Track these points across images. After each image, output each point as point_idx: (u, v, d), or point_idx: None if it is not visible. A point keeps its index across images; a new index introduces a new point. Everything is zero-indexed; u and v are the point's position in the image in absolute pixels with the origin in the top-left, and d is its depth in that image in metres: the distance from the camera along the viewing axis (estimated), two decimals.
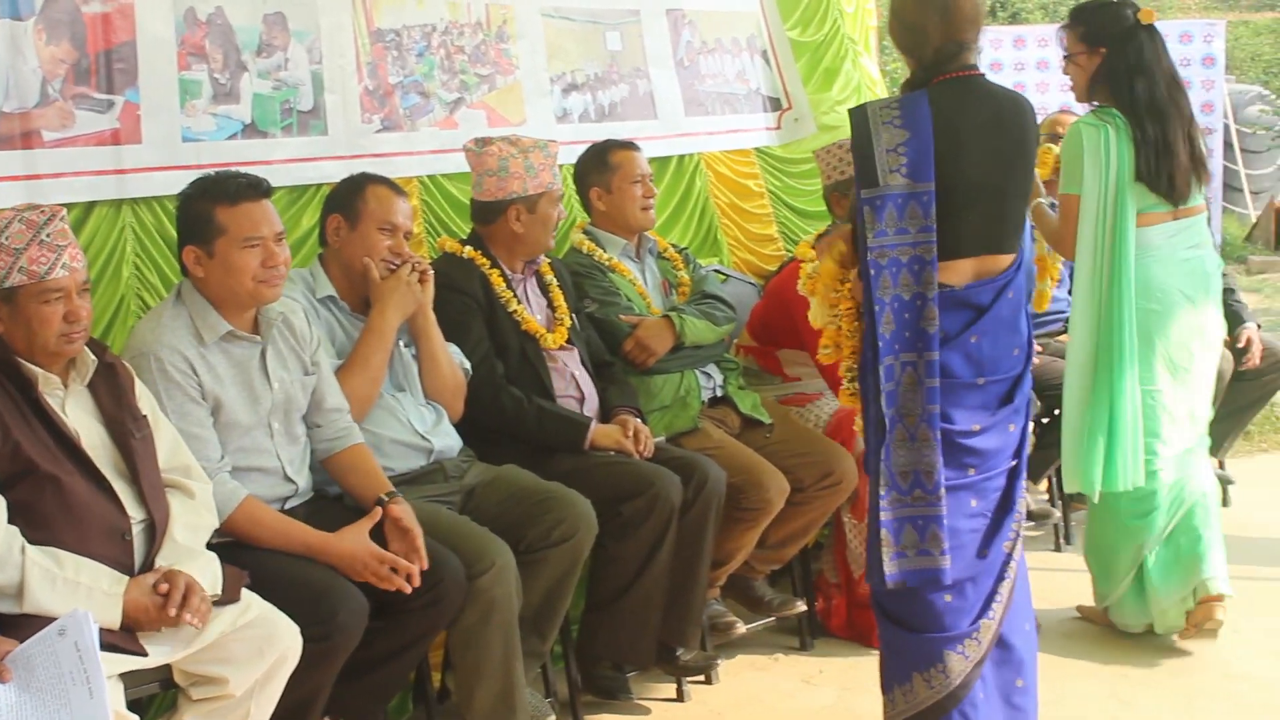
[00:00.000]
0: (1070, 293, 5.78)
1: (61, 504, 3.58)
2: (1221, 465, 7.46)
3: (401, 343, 4.75)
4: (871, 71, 7.93)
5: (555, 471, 4.85)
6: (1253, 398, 7.23)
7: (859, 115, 4.09)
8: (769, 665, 5.60)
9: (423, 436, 4.71)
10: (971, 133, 4.09)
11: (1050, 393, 6.35)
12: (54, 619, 3.38)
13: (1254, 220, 17.40)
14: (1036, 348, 6.35)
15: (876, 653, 4.40)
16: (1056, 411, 6.49)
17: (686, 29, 6.83)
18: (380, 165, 5.09)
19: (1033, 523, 6.86)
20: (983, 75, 4.24)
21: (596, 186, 5.67)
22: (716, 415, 5.62)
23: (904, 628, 4.20)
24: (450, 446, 4.79)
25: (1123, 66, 5.38)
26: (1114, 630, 5.72)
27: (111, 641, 3.50)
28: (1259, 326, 7.17)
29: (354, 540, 4.11)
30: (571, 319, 5.26)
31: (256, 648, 3.74)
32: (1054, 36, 5.92)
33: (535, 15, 6.11)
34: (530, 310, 5.17)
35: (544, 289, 5.29)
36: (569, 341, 5.23)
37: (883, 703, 4.29)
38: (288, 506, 4.27)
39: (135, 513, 3.71)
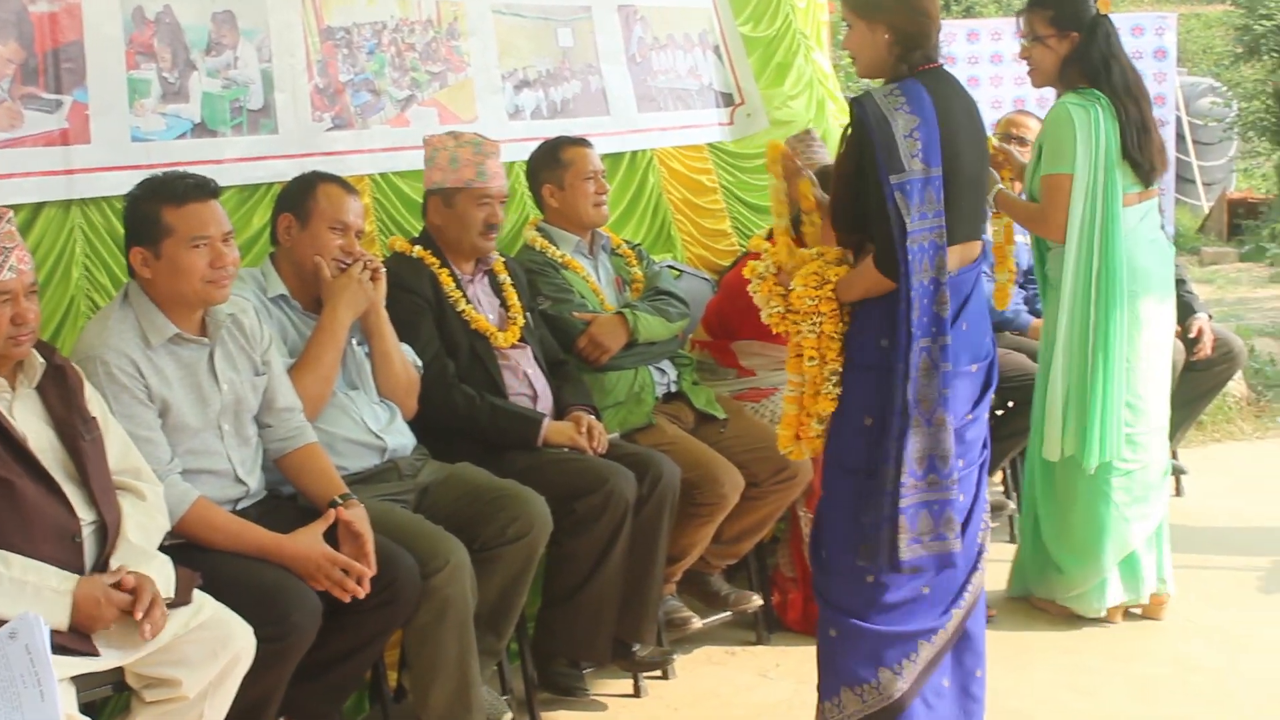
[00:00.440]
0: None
1: (10, 506, 3.55)
2: (1174, 455, 7.49)
3: (354, 341, 4.73)
4: (824, 66, 7.95)
5: (509, 469, 4.84)
6: (1204, 388, 7.27)
7: (870, 103, 4.10)
8: (725, 660, 5.60)
9: (376, 435, 4.70)
10: (959, 122, 4.18)
11: (1006, 385, 6.35)
12: (1, 621, 3.37)
13: (1206, 211, 17.50)
14: None
15: None
16: (1011, 404, 6.54)
17: (638, 25, 6.83)
18: (331, 164, 5.08)
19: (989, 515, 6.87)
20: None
21: (549, 183, 5.66)
22: (671, 411, 5.63)
23: (868, 621, 4.25)
24: (404, 445, 4.78)
25: (1096, 51, 5.44)
26: (1071, 620, 5.74)
27: (62, 643, 3.48)
28: (1210, 317, 7.21)
29: (307, 542, 4.09)
30: (525, 318, 5.25)
31: (210, 649, 3.72)
32: (1008, 30, 5.95)
33: (486, 12, 6.10)
34: (481, 309, 5.16)
35: (497, 288, 5.28)
36: (522, 340, 5.22)
37: (822, 708, 4.38)
38: (240, 508, 4.25)
39: (85, 515, 3.69)
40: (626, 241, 6.02)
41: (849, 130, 4.24)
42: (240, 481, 4.27)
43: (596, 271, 5.73)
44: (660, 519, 5.08)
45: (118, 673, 3.67)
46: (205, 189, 4.17)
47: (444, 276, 5.09)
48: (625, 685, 5.31)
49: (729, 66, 7.25)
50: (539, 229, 5.68)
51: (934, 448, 4.13)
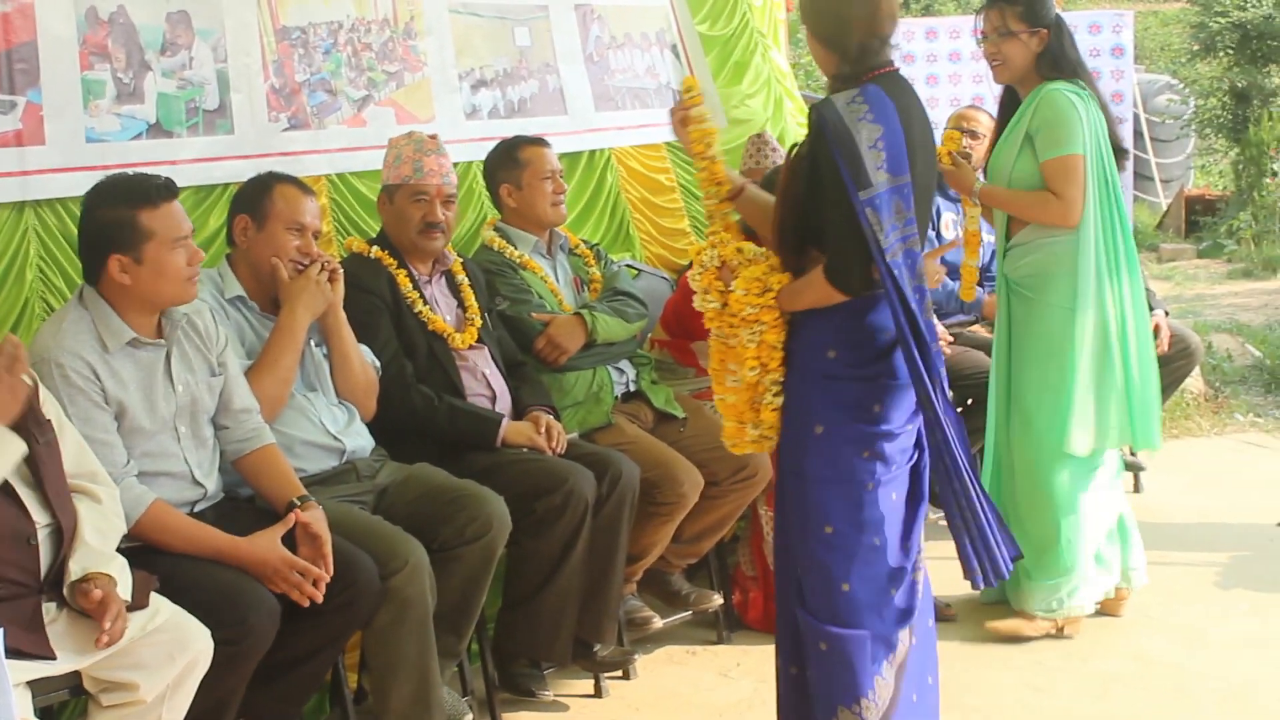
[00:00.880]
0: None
1: None
2: (1132, 452, 7.53)
3: (312, 342, 4.72)
4: (781, 65, 7.96)
5: (468, 469, 4.83)
6: (1162, 385, 7.29)
7: (831, 113, 3.96)
8: (686, 659, 5.60)
9: (335, 437, 4.68)
10: (915, 130, 4.07)
11: (964, 383, 6.39)
12: None
13: (1164, 208, 17.57)
14: (948, 337, 6.46)
15: None
16: (970, 401, 6.55)
17: (595, 24, 6.83)
18: (288, 164, 5.07)
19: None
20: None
21: (506, 183, 5.65)
22: (630, 410, 5.62)
23: (859, 628, 4.16)
24: (362, 447, 4.77)
25: (1067, 46, 5.50)
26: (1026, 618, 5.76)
27: (17, 645, 3.47)
28: (1168, 314, 7.23)
29: (265, 545, 4.08)
30: (483, 318, 5.24)
31: (167, 652, 3.71)
32: (966, 28, 5.91)
33: (443, 11, 6.09)
34: (439, 310, 5.15)
35: (454, 289, 5.27)
36: (480, 340, 5.21)
37: None
38: (197, 510, 4.23)
39: (40, 518, 3.66)
40: (585, 241, 6.02)
41: (800, 145, 4.16)
42: (198, 484, 4.25)
43: (555, 272, 5.72)
44: (620, 518, 5.07)
45: (74, 677, 3.66)
46: (173, 188, 4.16)
47: (401, 277, 5.08)
48: (586, 685, 5.31)
49: (686, 65, 7.25)
50: (497, 229, 5.67)
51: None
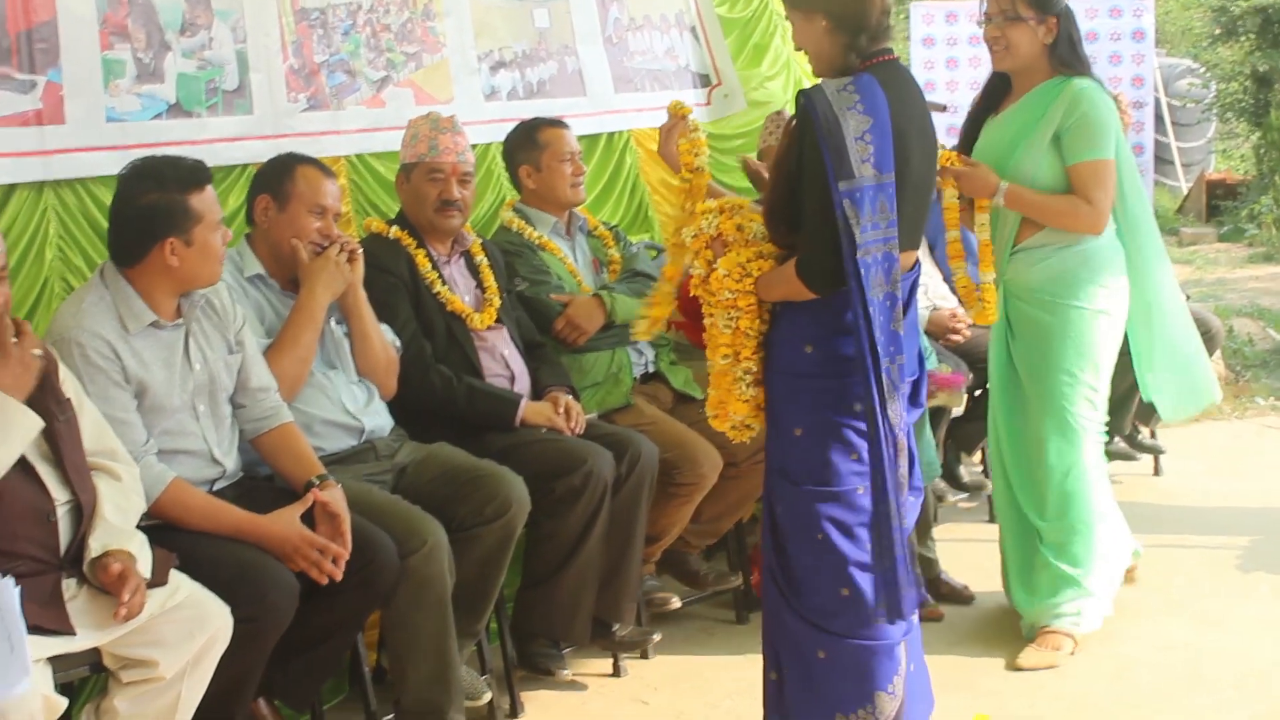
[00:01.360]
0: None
1: None
2: (1153, 435, 7.52)
3: (333, 320, 4.73)
4: None
5: (487, 450, 4.84)
6: None
7: (820, 99, 3.80)
8: (704, 640, 5.61)
9: (354, 416, 4.70)
10: (911, 121, 3.94)
11: (982, 365, 6.37)
12: None
13: (1185, 192, 17.53)
14: (967, 321, 6.44)
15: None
16: (989, 384, 6.53)
17: (614, 6, 6.81)
18: (307, 145, 5.07)
19: (966, 494, 6.90)
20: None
21: (526, 165, 5.66)
22: (649, 391, 5.63)
23: (868, 638, 4.07)
24: (381, 426, 4.78)
25: (1074, 38, 5.24)
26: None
27: (38, 621, 3.48)
28: (1188, 298, 7.22)
29: (284, 523, 4.09)
30: (502, 299, 5.24)
31: (186, 630, 3.72)
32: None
33: None
34: (457, 291, 5.15)
35: (473, 269, 5.27)
36: (498, 321, 5.21)
37: None
38: (216, 488, 4.25)
39: (60, 495, 3.68)
40: (604, 223, 6.02)
41: (793, 123, 4.00)
42: (216, 462, 4.26)
43: (574, 253, 5.72)
44: (639, 499, 5.08)
45: (94, 654, 3.67)
46: (209, 171, 4.22)
47: (420, 258, 5.08)
48: (605, 665, 5.32)
49: (706, 47, 7.24)
50: (515, 210, 5.67)
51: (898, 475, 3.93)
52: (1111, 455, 6.90)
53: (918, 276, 4.16)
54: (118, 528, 3.74)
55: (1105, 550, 5.41)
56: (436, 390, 4.96)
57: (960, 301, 5.63)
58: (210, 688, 3.81)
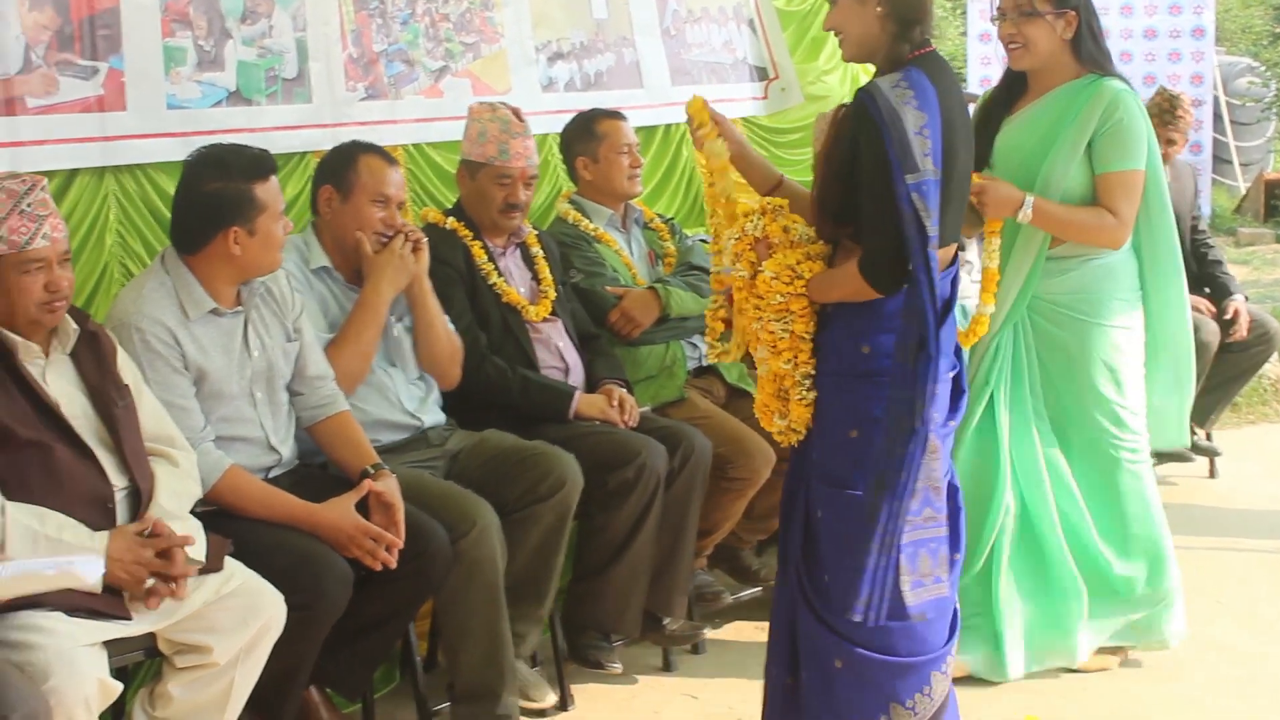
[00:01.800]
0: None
1: (43, 472, 3.57)
2: (1209, 437, 7.48)
3: (393, 318, 4.73)
4: None
5: (541, 441, 4.84)
6: (1240, 369, 7.25)
7: (881, 96, 3.71)
8: (756, 635, 5.57)
9: (412, 415, 4.73)
10: (958, 117, 3.84)
11: None
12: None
13: (1243, 192, 17.39)
14: None
15: None
16: None
17: None
18: (365, 134, 5.06)
19: None
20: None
21: (583, 156, 5.66)
22: (703, 385, 5.61)
23: (888, 654, 3.95)
24: (437, 422, 4.81)
25: (1096, 33, 4.91)
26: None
27: (96, 606, 3.51)
28: (1246, 299, 7.18)
29: (339, 512, 4.10)
30: (557, 291, 5.24)
31: (240, 616, 3.74)
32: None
33: None
34: (513, 282, 5.15)
35: (529, 261, 5.27)
36: (553, 313, 5.21)
37: None
38: (271, 476, 4.26)
39: (118, 480, 3.70)
40: (659, 215, 6.01)
41: (843, 121, 3.91)
42: (273, 449, 4.28)
43: (629, 245, 5.72)
44: (692, 493, 5.07)
45: (149, 639, 3.69)
46: (273, 161, 4.24)
47: (476, 249, 5.08)
48: (655, 659, 5.31)
49: (763, 40, 7.22)
50: (572, 202, 5.67)
51: (928, 477, 3.82)
52: (1166, 457, 6.87)
53: (957, 272, 4.06)
54: (173, 513, 3.77)
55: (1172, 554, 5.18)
56: (491, 381, 4.96)
57: None
58: (263, 675, 3.82)
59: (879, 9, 3.83)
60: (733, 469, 5.22)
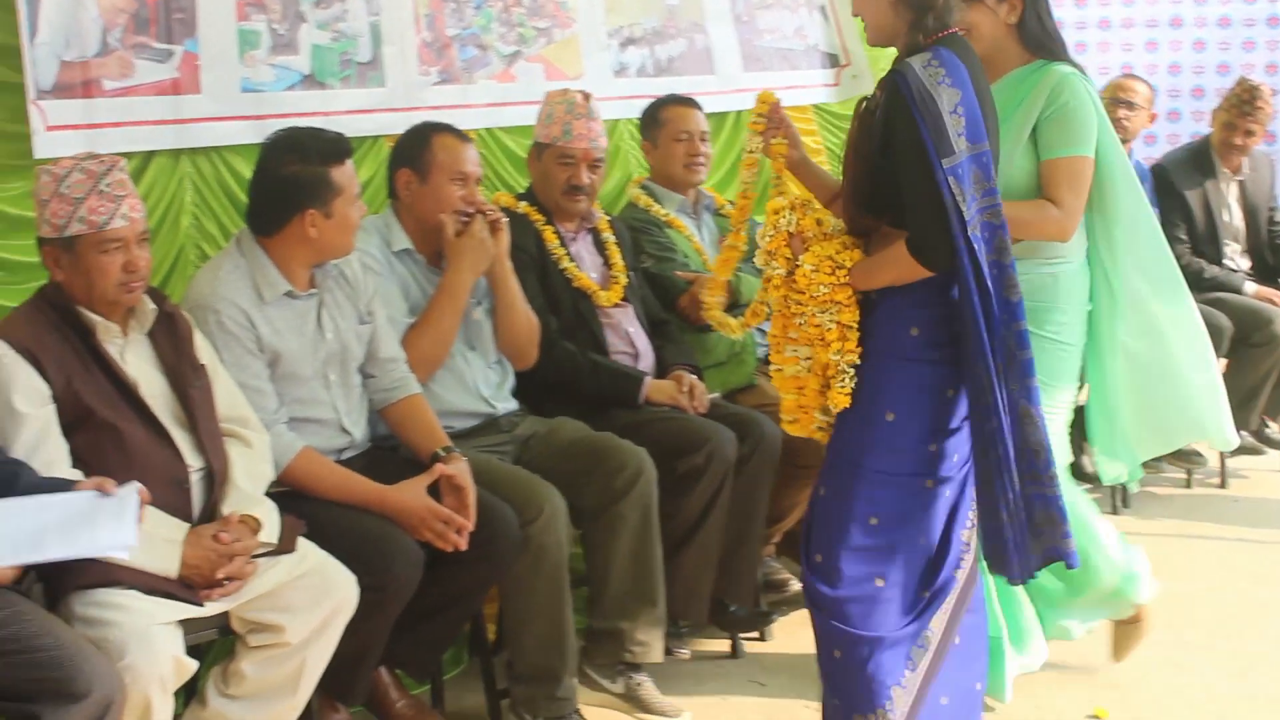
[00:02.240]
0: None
1: (120, 451, 3.61)
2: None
3: (474, 301, 4.74)
4: None
5: (610, 427, 4.84)
6: None
7: (914, 77, 3.67)
8: None
9: (487, 401, 4.74)
10: (984, 93, 3.82)
11: None
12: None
13: None
14: None
15: None
16: None
17: None
18: (437, 118, 5.04)
19: (1089, 485, 6.81)
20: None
21: (647, 141, 5.72)
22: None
23: (869, 628, 3.97)
24: (510, 409, 4.82)
25: (1043, 17, 4.54)
26: (1162, 598, 5.66)
27: (170, 590, 3.54)
28: None
29: (410, 494, 4.12)
30: (628, 277, 5.24)
31: (313, 597, 3.75)
32: None
33: None
34: (584, 267, 5.15)
35: (600, 246, 5.27)
36: (624, 298, 5.21)
37: None
38: (344, 457, 4.29)
39: (193, 461, 3.74)
40: (730, 202, 5.98)
41: (872, 105, 3.87)
42: (345, 431, 4.30)
43: (700, 231, 5.71)
44: (761, 480, 5.06)
45: (223, 617, 3.71)
46: (349, 145, 4.25)
47: (548, 233, 5.08)
48: (723, 645, 5.31)
49: (835, 27, 7.19)
50: (643, 187, 5.67)
51: (1025, 442, 3.77)
52: (1239, 450, 6.82)
53: (1013, 260, 3.96)
54: (248, 494, 3.80)
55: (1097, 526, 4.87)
56: (561, 366, 4.96)
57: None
58: (334, 655, 3.84)
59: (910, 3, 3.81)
60: (802, 457, 5.19)
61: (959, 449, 3.96)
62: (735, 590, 5.17)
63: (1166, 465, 7.18)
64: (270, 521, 3.79)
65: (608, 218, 5.34)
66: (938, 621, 4.02)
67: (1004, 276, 3.77)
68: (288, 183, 4.15)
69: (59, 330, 3.64)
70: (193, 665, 3.51)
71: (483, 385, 4.74)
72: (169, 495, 3.65)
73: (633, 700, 4.72)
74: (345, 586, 3.80)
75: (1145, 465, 6.66)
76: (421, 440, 4.37)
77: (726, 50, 6.63)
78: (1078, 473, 6.46)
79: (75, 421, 3.56)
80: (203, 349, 3.91)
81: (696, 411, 5.04)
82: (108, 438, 3.60)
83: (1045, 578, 4.50)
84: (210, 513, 3.75)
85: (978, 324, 3.72)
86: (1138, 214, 4.66)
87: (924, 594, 4.00)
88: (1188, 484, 7.30)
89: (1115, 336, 4.70)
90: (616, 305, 5.16)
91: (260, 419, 4.01)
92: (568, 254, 5.10)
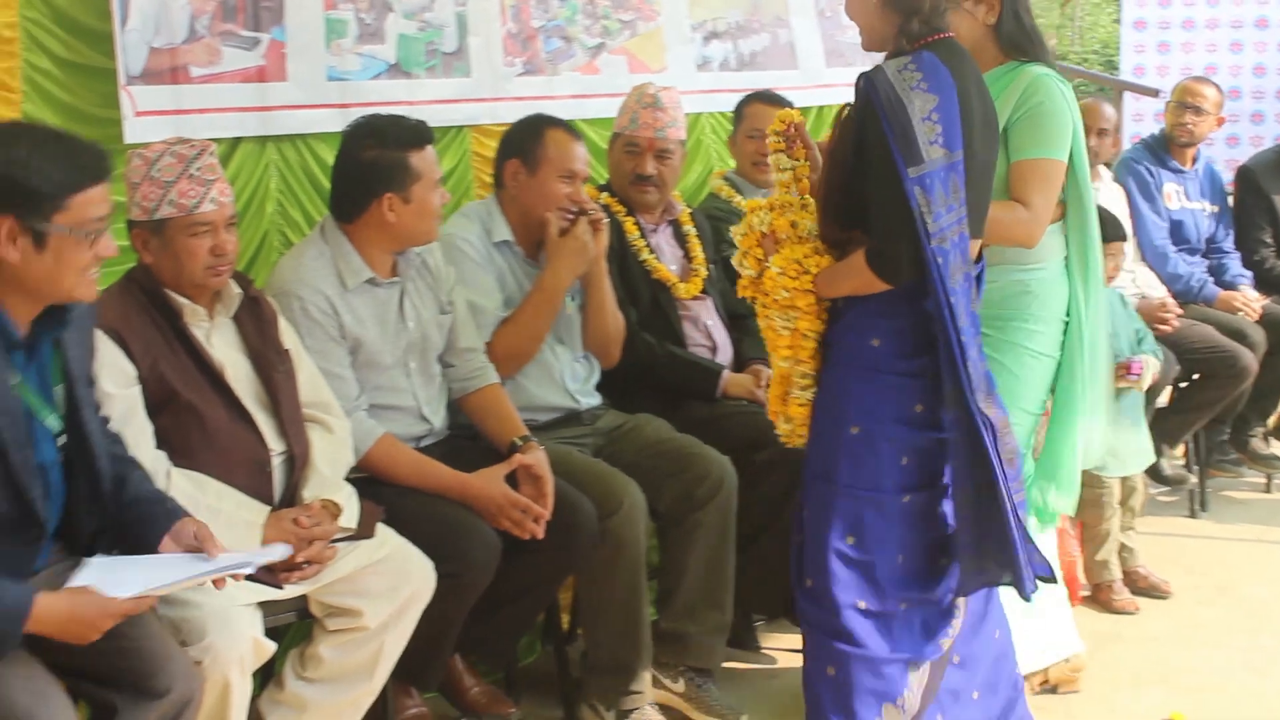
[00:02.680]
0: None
1: (204, 433, 3.65)
2: None
3: (567, 296, 4.74)
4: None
5: (688, 420, 4.84)
6: None
7: (882, 81, 3.62)
8: None
9: (572, 395, 4.76)
10: (973, 102, 3.73)
11: (1190, 356, 6.28)
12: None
13: None
14: (1178, 311, 6.31)
15: None
16: (1196, 375, 6.42)
17: None
18: (521, 109, 5.08)
19: (1168, 488, 6.77)
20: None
21: (730, 136, 5.74)
22: None
23: (868, 648, 3.92)
24: (593, 404, 4.84)
25: (1021, 16, 4.40)
26: (1240, 602, 5.63)
27: (250, 573, 3.56)
28: None
29: (489, 482, 4.14)
30: (708, 269, 5.24)
31: (391, 582, 3.78)
32: None
33: None
34: (664, 259, 5.15)
35: (680, 238, 5.27)
36: (704, 291, 5.21)
37: None
38: (423, 445, 4.31)
39: (276, 445, 3.77)
40: None
41: (847, 110, 3.82)
42: (425, 419, 4.33)
43: None
44: None
45: (302, 600, 3.75)
46: (430, 132, 4.27)
47: (629, 225, 5.09)
48: (795, 639, 5.27)
49: None
50: (726, 178, 5.67)
51: (1002, 453, 3.72)
52: None
53: (983, 270, 3.95)
54: (329, 479, 3.83)
55: None
56: (639, 357, 4.97)
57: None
58: (411, 641, 3.86)
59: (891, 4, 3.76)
60: None
61: (933, 463, 3.88)
62: None
63: (1246, 470, 7.13)
64: (350, 507, 3.82)
65: (689, 210, 5.34)
66: (936, 645, 3.98)
67: (971, 289, 3.74)
68: (366, 167, 4.18)
69: (146, 312, 3.68)
70: (271, 647, 3.54)
71: (569, 379, 4.75)
72: (251, 478, 3.68)
73: (694, 701, 4.71)
74: (423, 573, 3.83)
75: (1225, 470, 6.66)
76: (499, 429, 4.39)
77: (809, 45, 6.61)
78: (1156, 475, 6.45)
79: (160, 403, 3.60)
80: (286, 334, 3.95)
81: None
82: (192, 419, 3.63)
83: None
84: (291, 497, 3.79)
85: (949, 339, 3.65)
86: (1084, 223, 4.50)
87: (913, 614, 3.94)
88: (1267, 488, 7.23)
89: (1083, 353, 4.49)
90: (695, 298, 5.16)
91: (341, 405, 4.04)
92: (647, 245, 5.10)
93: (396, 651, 3.84)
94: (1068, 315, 4.46)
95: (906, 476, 3.88)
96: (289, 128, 4.75)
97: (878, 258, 3.69)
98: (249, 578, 3.48)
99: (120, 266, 3.82)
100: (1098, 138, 6.51)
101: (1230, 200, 7.23)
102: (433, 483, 4.13)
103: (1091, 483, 5.52)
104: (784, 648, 5.28)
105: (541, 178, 4.65)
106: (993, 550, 3.78)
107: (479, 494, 4.11)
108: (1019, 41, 4.35)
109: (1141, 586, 5.75)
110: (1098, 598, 5.65)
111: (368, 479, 4.07)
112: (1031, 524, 4.25)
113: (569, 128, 4.77)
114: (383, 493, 4.02)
